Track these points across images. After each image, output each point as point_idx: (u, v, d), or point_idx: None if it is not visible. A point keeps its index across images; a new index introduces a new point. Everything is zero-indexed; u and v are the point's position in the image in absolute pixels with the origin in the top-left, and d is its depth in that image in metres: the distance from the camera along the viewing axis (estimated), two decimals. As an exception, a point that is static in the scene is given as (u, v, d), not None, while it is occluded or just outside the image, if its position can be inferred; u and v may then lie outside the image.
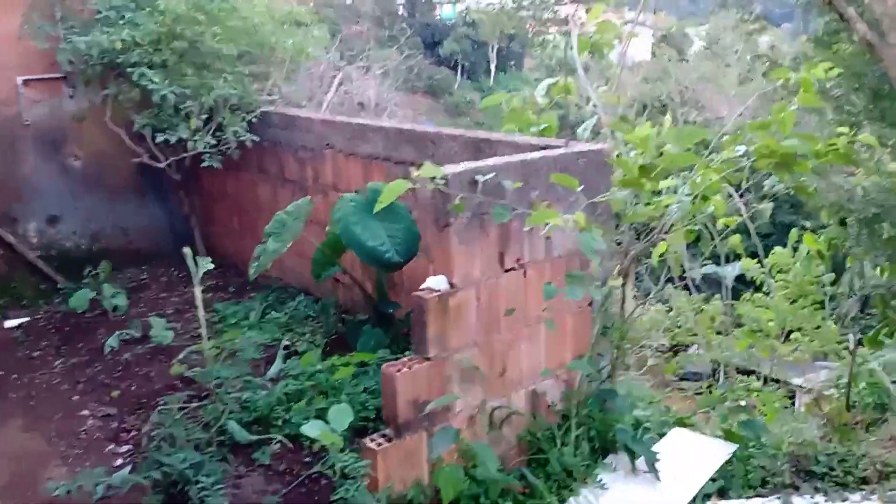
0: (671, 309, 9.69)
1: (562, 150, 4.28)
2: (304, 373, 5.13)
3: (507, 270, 4.16)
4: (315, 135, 6.55)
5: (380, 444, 3.85)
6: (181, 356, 5.30)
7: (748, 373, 8.89)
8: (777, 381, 8.91)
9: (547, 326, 3.83)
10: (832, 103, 9.41)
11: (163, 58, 6.91)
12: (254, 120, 7.01)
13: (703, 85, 29.85)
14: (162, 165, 7.42)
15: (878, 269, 7.72)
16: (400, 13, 54.40)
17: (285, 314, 6.80)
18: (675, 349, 10.76)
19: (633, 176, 3.65)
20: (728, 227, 4.84)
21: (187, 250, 4.83)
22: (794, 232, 6.85)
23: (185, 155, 7.23)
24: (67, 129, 7.79)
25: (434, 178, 3.66)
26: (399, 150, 5.69)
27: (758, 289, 9.09)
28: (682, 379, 12.71)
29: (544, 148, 4.48)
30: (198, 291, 4.83)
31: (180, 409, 4.96)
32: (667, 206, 3.89)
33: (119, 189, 8.22)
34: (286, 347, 5.95)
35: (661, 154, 3.68)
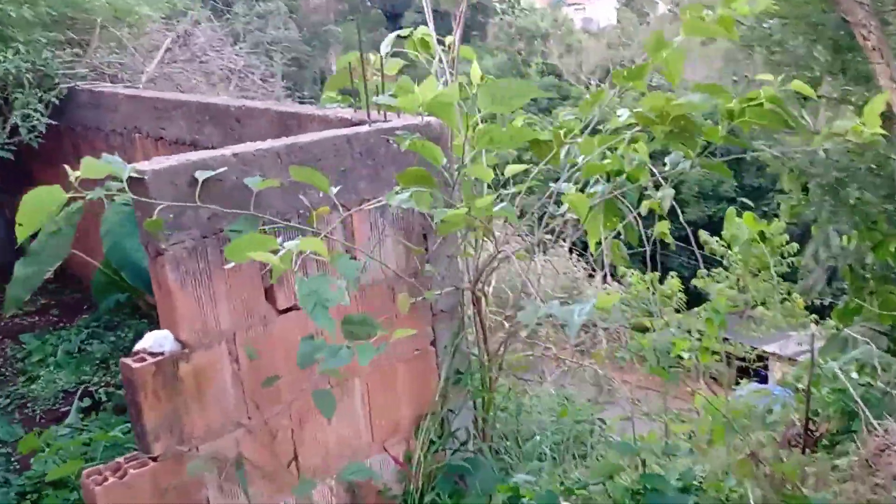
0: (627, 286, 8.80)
1: (363, 128, 2.88)
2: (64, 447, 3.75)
3: (283, 311, 2.78)
4: (122, 115, 5.10)
5: None
6: None
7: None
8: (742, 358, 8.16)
9: (317, 403, 2.43)
10: (789, 59, 8.26)
11: (-67, 26, 5.43)
12: (55, 100, 5.50)
13: (667, 47, 28.42)
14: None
15: (844, 238, 6.91)
16: (359, -16, 52.43)
17: (110, 344, 5.41)
18: (633, 329, 9.88)
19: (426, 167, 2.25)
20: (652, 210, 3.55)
21: None
22: (731, 210, 5.64)
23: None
24: None
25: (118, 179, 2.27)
26: (204, 131, 4.26)
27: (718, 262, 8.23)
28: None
29: (358, 124, 3.10)
30: None
31: None
32: (491, 207, 2.50)
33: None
34: (83, 396, 4.59)
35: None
